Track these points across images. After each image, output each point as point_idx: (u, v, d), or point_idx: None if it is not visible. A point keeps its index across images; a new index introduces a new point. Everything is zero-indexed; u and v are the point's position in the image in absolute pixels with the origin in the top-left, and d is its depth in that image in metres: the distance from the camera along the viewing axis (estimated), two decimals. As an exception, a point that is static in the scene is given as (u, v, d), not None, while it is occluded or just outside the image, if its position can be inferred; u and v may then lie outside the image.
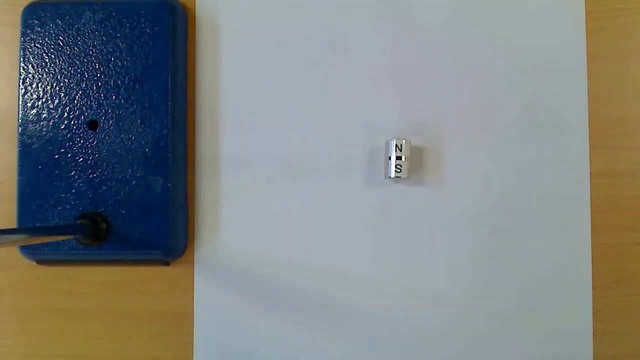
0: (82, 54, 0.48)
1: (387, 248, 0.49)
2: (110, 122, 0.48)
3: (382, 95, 0.50)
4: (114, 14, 0.48)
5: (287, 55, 0.50)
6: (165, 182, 0.47)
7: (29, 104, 0.48)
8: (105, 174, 0.48)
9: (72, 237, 0.47)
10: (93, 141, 0.48)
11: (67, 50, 0.48)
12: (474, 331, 0.48)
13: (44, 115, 0.48)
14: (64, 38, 0.48)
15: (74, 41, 0.48)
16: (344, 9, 0.50)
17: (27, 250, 0.48)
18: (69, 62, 0.48)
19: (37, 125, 0.48)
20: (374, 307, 0.49)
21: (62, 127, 0.48)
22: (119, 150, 0.48)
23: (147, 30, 0.48)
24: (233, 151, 0.50)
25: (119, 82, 0.48)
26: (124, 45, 0.48)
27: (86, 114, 0.48)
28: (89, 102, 0.48)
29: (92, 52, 0.48)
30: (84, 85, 0.48)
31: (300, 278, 0.49)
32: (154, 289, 0.50)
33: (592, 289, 0.48)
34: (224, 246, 0.50)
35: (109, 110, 0.48)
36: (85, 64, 0.48)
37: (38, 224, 0.47)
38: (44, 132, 0.48)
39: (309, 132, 0.50)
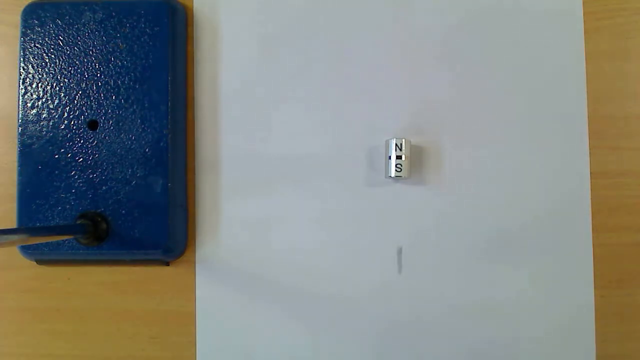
0: (82, 54, 0.48)
1: (387, 248, 0.49)
2: (110, 122, 0.48)
3: (382, 95, 0.50)
4: (114, 14, 0.48)
5: (286, 55, 0.50)
6: (165, 182, 0.47)
7: (29, 104, 0.48)
8: (105, 174, 0.48)
9: (72, 237, 0.47)
10: (93, 141, 0.48)
11: (67, 50, 0.48)
12: (475, 330, 0.48)
13: (44, 115, 0.48)
14: (64, 38, 0.48)
15: (74, 41, 0.48)
16: (344, 8, 0.50)
17: (27, 250, 0.48)
18: (69, 62, 0.48)
19: (37, 125, 0.48)
20: (374, 306, 0.49)
21: (62, 127, 0.48)
22: (119, 150, 0.48)
23: (147, 30, 0.48)
24: (233, 151, 0.50)
25: (119, 82, 0.48)
26: (124, 45, 0.48)
27: (86, 114, 0.48)
28: (89, 102, 0.48)
29: (92, 52, 0.48)
30: (84, 85, 0.48)
31: (301, 277, 0.49)
32: (154, 289, 0.50)
33: (594, 289, 0.48)
34: (224, 246, 0.50)
35: (109, 110, 0.48)
36: (85, 64, 0.48)
37: (38, 224, 0.47)
38: (44, 132, 0.48)
39: (308, 131, 0.50)
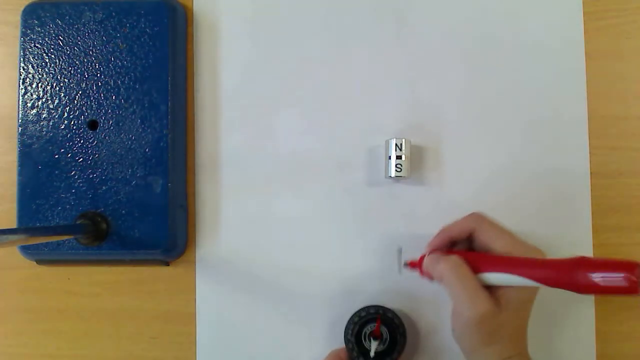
0: (82, 54, 0.48)
1: (387, 248, 0.49)
2: (110, 122, 0.48)
3: (382, 95, 0.50)
4: (114, 14, 0.48)
5: (286, 55, 0.50)
6: (165, 182, 0.47)
7: (29, 104, 0.48)
8: (105, 174, 0.48)
9: (72, 237, 0.47)
10: (93, 141, 0.48)
11: (67, 50, 0.48)
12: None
13: (44, 115, 0.48)
14: (64, 38, 0.48)
15: (74, 41, 0.48)
16: (343, 9, 0.50)
17: (27, 250, 0.48)
18: (69, 62, 0.48)
19: (37, 125, 0.48)
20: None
21: (62, 127, 0.48)
22: (119, 150, 0.48)
23: (147, 30, 0.48)
24: (233, 151, 0.50)
25: (119, 82, 0.48)
26: (124, 45, 0.48)
27: (86, 114, 0.48)
28: (89, 102, 0.48)
29: (92, 52, 0.48)
30: (84, 85, 0.48)
31: (301, 277, 0.49)
32: (154, 289, 0.50)
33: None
34: (224, 246, 0.50)
35: (109, 110, 0.48)
36: (85, 64, 0.48)
37: (38, 224, 0.47)
38: (44, 132, 0.48)
39: (308, 131, 0.50)
